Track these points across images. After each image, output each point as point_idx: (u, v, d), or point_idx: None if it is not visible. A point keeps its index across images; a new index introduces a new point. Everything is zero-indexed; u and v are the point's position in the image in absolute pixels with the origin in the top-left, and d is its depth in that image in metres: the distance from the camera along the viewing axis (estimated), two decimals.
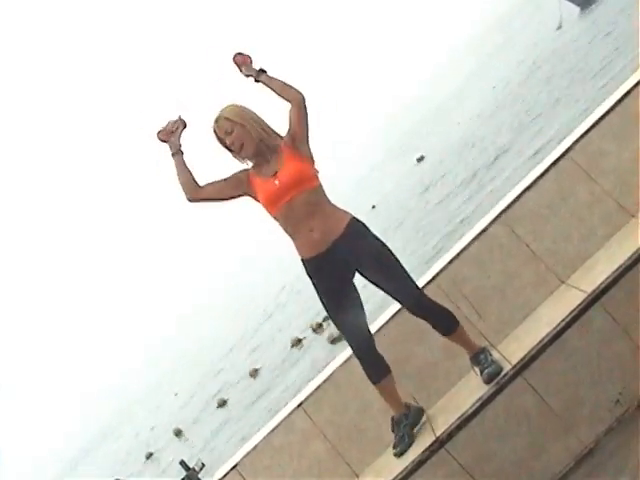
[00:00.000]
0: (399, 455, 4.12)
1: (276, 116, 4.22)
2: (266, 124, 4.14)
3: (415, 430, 4.20)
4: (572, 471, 3.91)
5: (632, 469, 3.59)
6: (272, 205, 4.05)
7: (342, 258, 4.03)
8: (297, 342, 18.13)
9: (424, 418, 4.27)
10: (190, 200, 4.18)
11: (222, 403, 19.79)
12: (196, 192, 4.16)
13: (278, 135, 4.14)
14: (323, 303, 4.16)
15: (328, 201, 4.11)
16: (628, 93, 4.58)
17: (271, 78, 4.10)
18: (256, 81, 4.11)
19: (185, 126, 4.23)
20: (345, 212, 4.11)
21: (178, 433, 20.33)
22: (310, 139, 4.10)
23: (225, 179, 4.19)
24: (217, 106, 4.17)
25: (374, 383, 4.20)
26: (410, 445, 4.12)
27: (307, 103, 4.06)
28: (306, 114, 4.07)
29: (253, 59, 4.15)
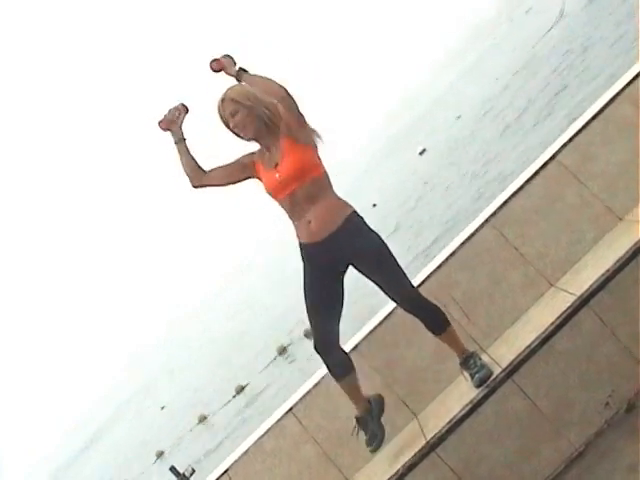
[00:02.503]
0: (375, 450, 4.10)
1: None
2: (272, 105, 4.03)
3: (382, 419, 4.16)
4: (562, 474, 3.91)
5: (622, 472, 3.60)
6: (274, 195, 4.03)
7: (336, 251, 3.99)
8: (283, 350, 18.08)
9: (384, 402, 4.23)
10: (195, 187, 4.13)
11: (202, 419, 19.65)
12: (201, 179, 4.11)
13: (282, 118, 4.03)
14: (304, 289, 4.10)
15: (330, 191, 4.04)
16: (616, 96, 4.60)
17: (252, 77, 3.99)
18: (238, 81, 4.02)
19: (187, 111, 4.12)
20: (346, 204, 4.05)
21: (160, 454, 20.18)
22: (307, 123, 4.00)
23: (230, 164, 4.13)
24: (216, 91, 4.08)
25: (336, 380, 4.15)
26: (383, 438, 4.10)
27: (291, 92, 3.93)
28: (294, 103, 3.96)
29: (233, 57, 4.02)
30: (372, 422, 4.15)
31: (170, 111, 4.10)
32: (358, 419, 4.19)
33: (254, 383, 18.78)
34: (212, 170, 4.13)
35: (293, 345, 18.18)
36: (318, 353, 4.15)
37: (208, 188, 4.16)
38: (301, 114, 4.01)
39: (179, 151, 4.12)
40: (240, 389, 19.26)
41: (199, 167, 4.12)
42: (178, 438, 20.01)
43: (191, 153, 4.12)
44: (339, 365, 4.14)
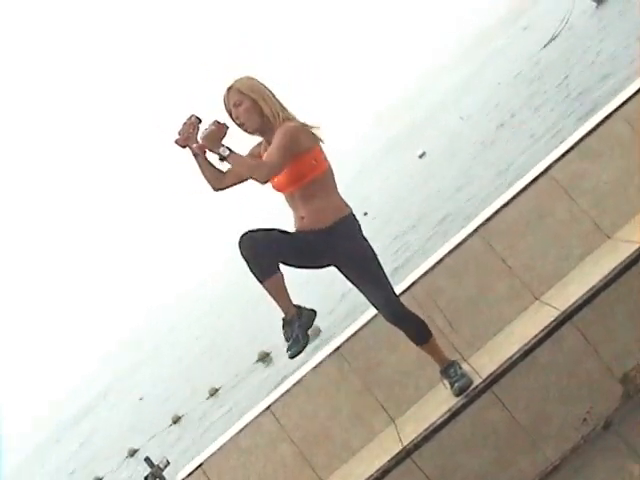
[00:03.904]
0: (293, 357, 3.89)
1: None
2: (278, 103, 3.99)
3: (309, 332, 3.95)
4: None
5: None
6: (275, 190, 4.03)
7: (320, 248, 3.95)
8: (265, 356, 17.97)
9: (315, 318, 4.03)
10: (216, 190, 4.09)
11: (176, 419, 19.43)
12: (221, 182, 4.07)
13: (287, 115, 3.98)
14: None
15: (329, 191, 3.99)
16: (611, 114, 4.62)
17: (237, 157, 3.88)
18: (221, 160, 3.90)
19: (200, 122, 3.96)
20: (342, 206, 4.01)
21: (133, 453, 19.93)
22: (304, 127, 3.92)
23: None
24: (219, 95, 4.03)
25: (261, 281, 3.84)
26: (305, 346, 3.89)
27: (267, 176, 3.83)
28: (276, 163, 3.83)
29: (202, 121, 3.93)
30: (298, 328, 3.89)
31: (184, 127, 3.96)
32: (284, 320, 3.92)
33: (228, 385, 18.64)
34: (228, 170, 4.06)
35: (274, 350, 18.04)
36: (245, 259, 3.79)
37: (229, 188, 4.11)
38: (288, 147, 3.85)
39: (199, 164, 4.04)
40: (214, 391, 19.10)
41: (219, 171, 4.06)
42: (151, 436, 19.84)
43: (210, 162, 4.04)
44: (265, 266, 3.81)
